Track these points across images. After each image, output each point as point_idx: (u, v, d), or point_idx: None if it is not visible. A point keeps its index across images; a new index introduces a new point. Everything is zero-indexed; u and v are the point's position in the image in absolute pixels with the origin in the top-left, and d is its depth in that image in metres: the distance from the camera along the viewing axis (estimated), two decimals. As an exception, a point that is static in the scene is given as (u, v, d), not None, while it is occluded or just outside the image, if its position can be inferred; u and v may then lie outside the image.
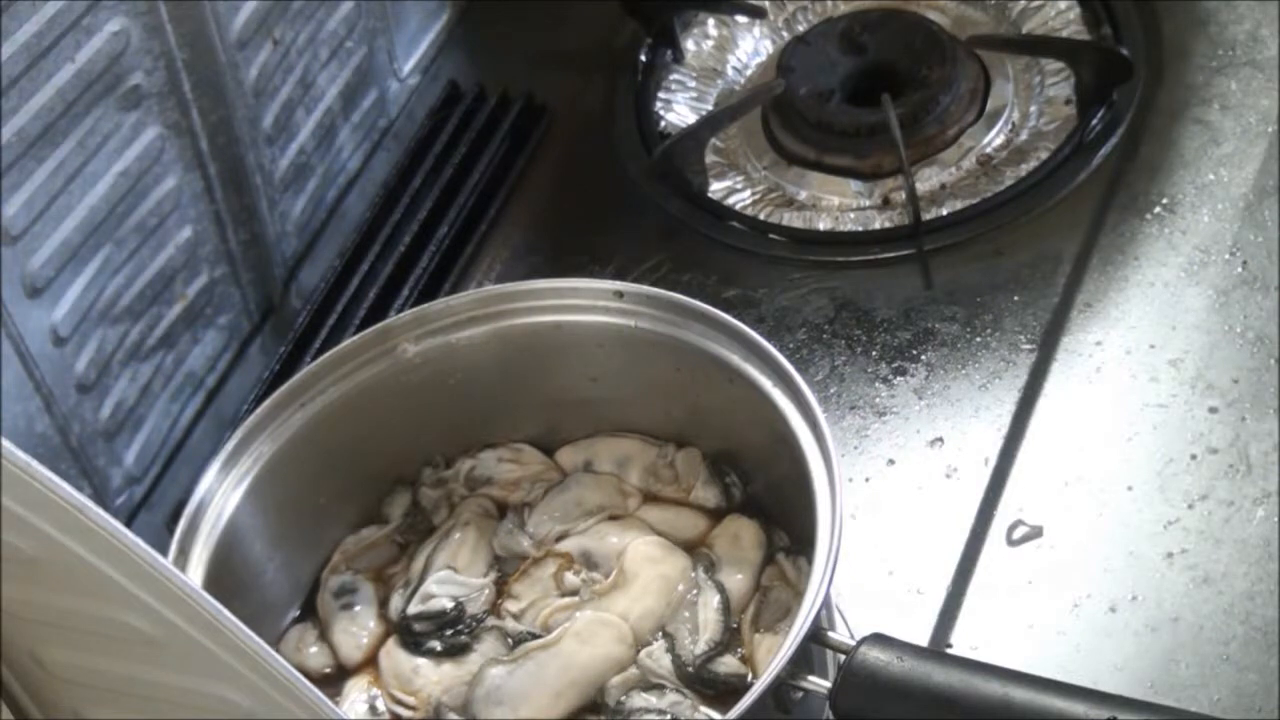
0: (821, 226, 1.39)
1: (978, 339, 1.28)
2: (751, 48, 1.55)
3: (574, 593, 1.10)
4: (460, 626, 1.10)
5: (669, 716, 1.03)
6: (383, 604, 1.14)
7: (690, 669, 1.05)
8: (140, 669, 0.81)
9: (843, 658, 0.95)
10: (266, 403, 1.11)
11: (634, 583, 1.09)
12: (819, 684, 0.95)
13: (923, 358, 1.28)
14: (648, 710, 1.04)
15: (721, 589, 1.08)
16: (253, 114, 1.33)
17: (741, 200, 1.43)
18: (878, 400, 1.26)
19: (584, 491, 1.16)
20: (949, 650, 1.10)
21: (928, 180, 1.40)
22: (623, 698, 1.05)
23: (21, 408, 1.15)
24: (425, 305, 1.15)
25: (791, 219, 1.40)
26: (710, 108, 1.51)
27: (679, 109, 1.51)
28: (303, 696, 0.81)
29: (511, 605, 1.11)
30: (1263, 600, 1.09)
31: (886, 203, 1.40)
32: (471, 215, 1.45)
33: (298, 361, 1.34)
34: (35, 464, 0.72)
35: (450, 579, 1.12)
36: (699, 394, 1.13)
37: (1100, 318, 1.27)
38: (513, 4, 1.61)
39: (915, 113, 1.41)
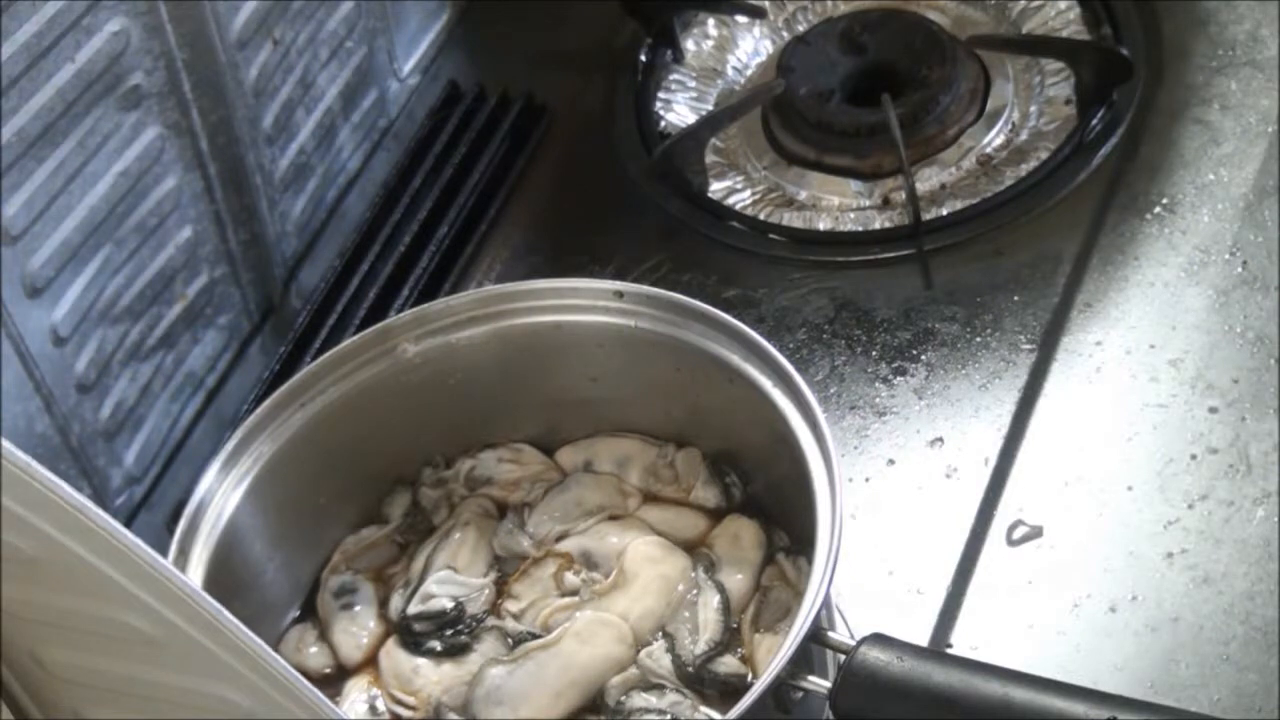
0: (821, 226, 1.39)
1: (978, 339, 1.28)
2: (751, 48, 1.55)
3: (574, 593, 1.10)
4: (460, 626, 1.10)
5: (669, 716, 1.03)
6: (383, 604, 1.14)
7: (690, 669, 1.05)
8: (140, 669, 0.81)
9: (843, 658, 0.95)
10: (266, 403, 1.11)
11: (634, 583, 1.09)
12: (819, 684, 0.95)
13: (923, 358, 1.28)
14: (648, 710, 1.04)
15: (721, 589, 1.08)
16: (253, 114, 1.33)
17: (741, 200, 1.43)
18: (878, 400, 1.26)
19: (584, 491, 1.16)
20: (949, 650, 1.10)
21: (928, 180, 1.40)
22: (623, 698, 1.05)
23: (21, 408, 1.15)
24: (425, 305, 1.15)
25: (791, 219, 1.40)
26: (710, 108, 1.51)
27: (679, 109, 1.51)
28: (303, 696, 0.81)
29: (511, 605, 1.11)
30: (1263, 600, 1.09)
31: (886, 203, 1.40)
32: (471, 215, 1.45)
33: (298, 361, 1.34)
34: (35, 464, 0.72)
35: (450, 579, 1.12)
36: (699, 394, 1.13)
37: (1100, 318, 1.27)
38: (513, 4, 1.61)
39: (915, 113, 1.41)
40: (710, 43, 1.55)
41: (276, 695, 0.80)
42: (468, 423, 1.18)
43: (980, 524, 1.17)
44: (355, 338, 1.15)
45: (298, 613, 1.15)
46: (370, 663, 1.12)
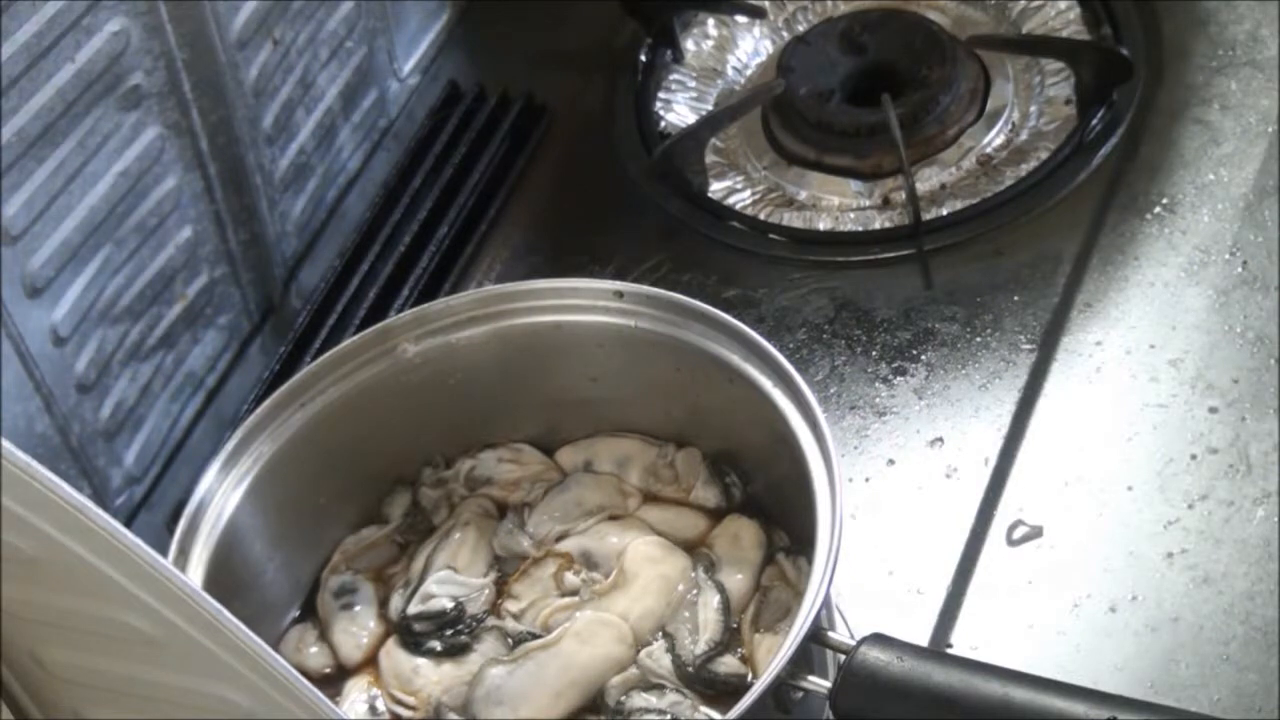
0: (821, 226, 1.39)
1: (978, 339, 1.28)
2: (751, 48, 1.55)
3: (574, 593, 1.10)
4: (460, 626, 1.10)
5: (669, 716, 1.03)
6: (383, 604, 1.14)
7: (690, 669, 1.05)
8: (140, 669, 0.81)
9: (843, 658, 0.95)
10: (266, 403, 1.11)
11: (634, 583, 1.09)
12: (819, 684, 0.95)
13: (923, 358, 1.28)
14: (648, 710, 1.04)
15: (721, 589, 1.08)
16: (253, 114, 1.33)
17: (741, 200, 1.43)
18: (878, 400, 1.26)
19: (584, 491, 1.16)
20: (949, 650, 1.10)
21: (928, 180, 1.40)
22: (623, 698, 1.05)
23: (21, 408, 1.15)
24: (425, 305, 1.15)
25: (791, 219, 1.40)
26: (710, 108, 1.51)
27: (679, 109, 1.51)
28: (303, 696, 0.81)
29: (511, 605, 1.11)
30: (1263, 600, 1.09)
31: (886, 203, 1.40)
32: (471, 215, 1.45)
33: (298, 361, 1.34)
34: (35, 464, 0.72)
35: (450, 579, 1.12)
36: (699, 394, 1.13)
37: (1100, 318, 1.27)
38: (513, 4, 1.61)
39: (915, 113, 1.41)
40: (710, 43, 1.55)
41: (276, 695, 0.80)
42: (468, 423, 1.18)
43: (980, 524, 1.17)
44: (355, 338, 1.15)
45: (298, 613, 1.15)
46: (370, 663, 1.12)
